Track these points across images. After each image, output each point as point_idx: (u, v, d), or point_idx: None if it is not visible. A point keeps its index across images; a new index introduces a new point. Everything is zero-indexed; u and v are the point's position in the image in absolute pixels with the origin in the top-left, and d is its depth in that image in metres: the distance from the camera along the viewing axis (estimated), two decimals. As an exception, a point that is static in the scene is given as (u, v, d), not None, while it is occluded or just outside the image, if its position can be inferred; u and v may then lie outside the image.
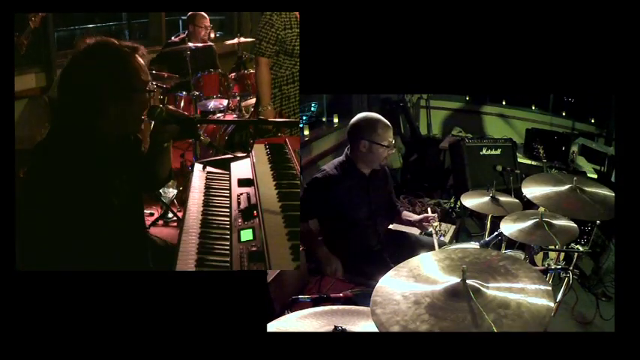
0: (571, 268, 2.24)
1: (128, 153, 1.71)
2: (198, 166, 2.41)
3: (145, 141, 1.80)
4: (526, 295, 1.17)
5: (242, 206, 1.90)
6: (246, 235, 1.72)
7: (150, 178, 1.82)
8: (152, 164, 1.80)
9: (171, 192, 3.66)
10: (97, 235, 1.47)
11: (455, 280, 1.22)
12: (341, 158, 2.53)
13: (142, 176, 1.76)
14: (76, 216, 1.43)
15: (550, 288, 1.20)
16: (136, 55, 1.54)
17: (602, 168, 4.15)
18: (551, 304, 1.14)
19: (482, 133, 5.26)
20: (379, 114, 2.50)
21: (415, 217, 2.68)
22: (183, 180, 3.63)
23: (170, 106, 1.76)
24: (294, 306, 1.71)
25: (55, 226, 1.44)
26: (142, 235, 1.82)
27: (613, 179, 3.78)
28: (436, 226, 2.54)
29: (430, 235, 2.76)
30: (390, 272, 1.34)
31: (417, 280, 1.28)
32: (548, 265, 2.68)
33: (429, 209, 2.64)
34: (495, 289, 1.20)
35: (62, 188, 1.43)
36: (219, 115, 4.02)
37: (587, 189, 2.22)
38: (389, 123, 2.46)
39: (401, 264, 1.36)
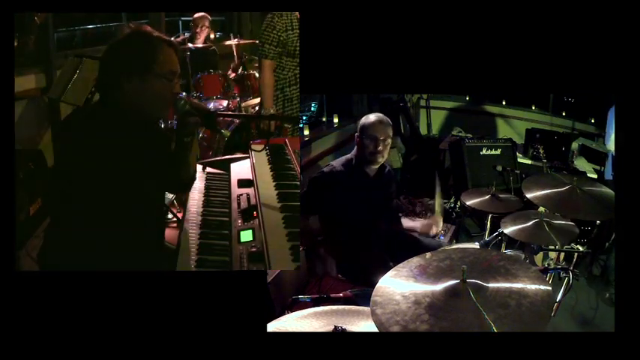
0: (571, 268, 2.24)
1: (155, 146, 1.72)
2: (198, 167, 2.41)
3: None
4: (526, 295, 1.17)
5: (242, 207, 1.91)
6: (246, 235, 1.72)
7: (174, 177, 1.81)
8: (176, 162, 1.79)
9: (170, 192, 3.66)
10: (116, 223, 1.49)
11: (455, 280, 1.22)
12: (349, 156, 2.53)
13: (167, 175, 1.76)
14: (97, 202, 1.46)
15: (550, 288, 1.20)
16: (167, 46, 1.62)
17: (602, 168, 4.16)
18: (551, 304, 1.14)
19: (482, 133, 5.26)
20: (379, 114, 2.50)
21: (416, 223, 2.64)
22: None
23: (193, 99, 1.79)
24: (294, 306, 1.71)
25: (77, 214, 1.48)
26: (159, 235, 1.81)
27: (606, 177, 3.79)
28: (439, 231, 2.53)
29: (432, 235, 2.75)
30: (390, 272, 1.34)
31: (417, 280, 1.28)
32: (548, 265, 2.69)
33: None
34: (495, 290, 1.20)
35: (84, 170, 1.47)
36: (218, 115, 4.02)
37: (587, 189, 2.22)
38: (382, 120, 2.45)
39: (401, 264, 1.36)
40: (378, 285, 1.29)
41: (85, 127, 1.58)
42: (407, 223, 2.69)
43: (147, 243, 1.63)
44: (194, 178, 1.95)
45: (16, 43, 3.10)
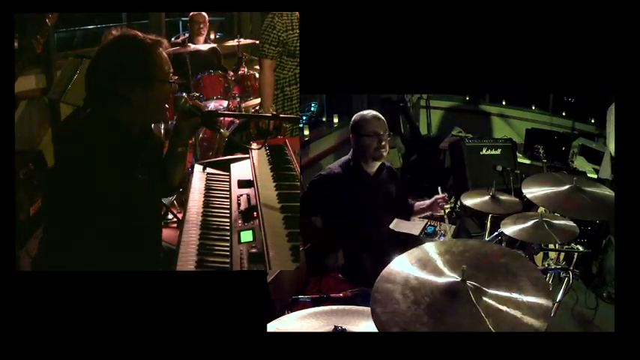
0: (571, 268, 2.24)
1: (150, 151, 1.72)
2: (198, 167, 2.41)
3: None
4: (526, 295, 1.17)
5: (242, 207, 1.91)
6: (246, 236, 1.72)
7: (165, 179, 1.81)
8: (169, 165, 1.80)
9: (171, 193, 3.66)
10: (113, 228, 1.48)
11: (455, 279, 1.21)
12: (347, 157, 2.54)
13: (159, 178, 1.76)
14: (95, 206, 1.45)
15: (550, 288, 1.20)
16: (159, 48, 1.60)
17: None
18: (551, 304, 1.14)
19: (482, 133, 5.26)
20: (372, 110, 2.51)
21: (426, 202, 2.64)
22: (183, 181, 3.63)
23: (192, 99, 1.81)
24: (294, 306, 1.71)
25: (74, 215, 1.47)
26: (157, 235, 1.82)
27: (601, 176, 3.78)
28: (448, 208, 2.52)
29: (433, 235, 2.74)
30: (392, 263, 1.34)
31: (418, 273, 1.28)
32: (548, 265, 2.69)
33: (439, 189, 2.60)
34: (495, 289, 1.19)
35: (83, 176, 1.45)
36: (218, 116, 4.02)
37: (587, 189, 2.22)
38: (377, 115, 2.47)
39: (401, 255, 1.36)
40: (377, 282, 1.29)
41: (81, 138, 1.53)
42: (416, 207, 2.69)
43: (143, 245, 1.63)
44: (180, 187, 1.93)
45: (19, 44, 3.08)
